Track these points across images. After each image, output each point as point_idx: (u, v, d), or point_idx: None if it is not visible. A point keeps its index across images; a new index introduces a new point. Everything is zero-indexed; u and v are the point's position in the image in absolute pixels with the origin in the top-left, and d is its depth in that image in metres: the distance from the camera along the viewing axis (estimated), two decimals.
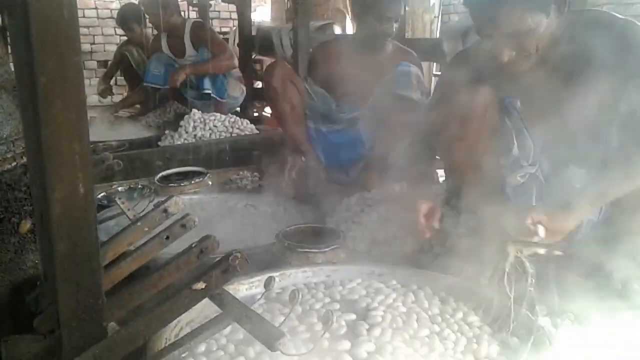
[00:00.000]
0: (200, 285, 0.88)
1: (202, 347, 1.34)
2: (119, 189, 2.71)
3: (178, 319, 1.40)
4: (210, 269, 0.89)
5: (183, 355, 1.29)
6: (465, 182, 1.89)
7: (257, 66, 5.13)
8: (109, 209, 2.32)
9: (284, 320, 1.18)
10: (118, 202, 2.09)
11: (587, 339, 1.38)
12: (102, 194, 2.67)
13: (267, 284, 1.31)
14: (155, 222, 1.19)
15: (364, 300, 1.54)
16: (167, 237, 1.12)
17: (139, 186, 2.66)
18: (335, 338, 1.30)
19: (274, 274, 1.57)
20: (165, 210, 1.19)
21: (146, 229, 1.19)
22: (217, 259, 0.90)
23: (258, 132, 3.77)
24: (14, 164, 1.40)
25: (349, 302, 1.57)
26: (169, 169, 2.82)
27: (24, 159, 1.39)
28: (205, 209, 2.47)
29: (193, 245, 0.99)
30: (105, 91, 5.04)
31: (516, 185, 1.74)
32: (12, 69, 1.26)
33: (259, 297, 1.38)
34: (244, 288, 1.56)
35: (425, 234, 1.82)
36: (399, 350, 1.28)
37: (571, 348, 1.33)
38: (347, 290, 1.64)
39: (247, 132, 3.68)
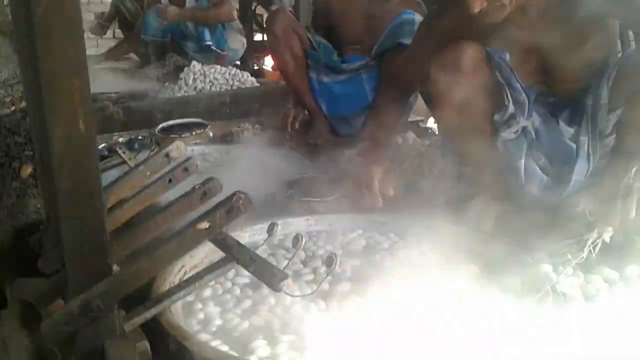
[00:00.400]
0: (204, 224, 0.87)
1: (208, 292, 1.36)
2: (120, 139, 2.70)
3: (182, 264, 1.42)
4: (214, 209, 0.88)
5: (190, 299, 1.30)
6: (460, 142, 1.88)
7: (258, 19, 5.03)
8: (110, 159, 2.31)
9: (288, 262, 1.19)
10: (119, 152, 2.08)
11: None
12: (102, 145, 2.65)
13: (270, 230, 1.31)
14: (158, 167, 1.19)
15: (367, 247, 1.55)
16: (170, 181, 1.11)
17: (140, 137, 2.64)
18: (338, 281, 1.31)
19: (277, 221, 1.57)
20: (167, 155, 1.18)
21: (148, 174, 1.19)
22: (222, 200, 0.89)
23: (259, 84, 3.73)
24: (12, 108, 1.38)
25: (352, 250, 1.58)
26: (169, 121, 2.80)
27: (23, 104, 1.37)
28: (207, 160, 2.46)
29: (196, 187, 0.98)
30: (98, 28, 4.97)
31: (508, 139, 1.72)
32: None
33: (261, 243, 1.38)
34: (246, 235, 1.56)
35: (377, 203, 1.77)
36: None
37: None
38: (349, 239, 1.65)
39: (247, 85, 3.63)
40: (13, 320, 1.12)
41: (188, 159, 1.10)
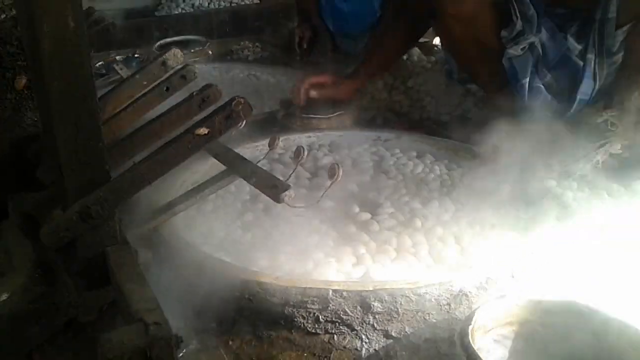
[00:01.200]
0: (203, 130, 0.84)
1: (210, 206, 1.36)
2: (117, 57, 2.62)
3: (183, 179, 1.41)
4: (213, 114, 0.85)
5: (191, 213, 1.30)
6: (465, 58, 1.82)
7: None
8: (108, 76, 2.26)
9: (290, 174, 1.17)
10: (116, 68, 2.03)
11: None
12: (100, 63, 2.59)
13: (271, 143, 1.28)
14: (154, 75, 1.15)
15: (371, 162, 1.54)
16: (167, 89, 1.07)
17: (137, 55, 2.57)
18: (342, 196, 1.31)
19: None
20: (164, 63, 1.14)
21: (145, 83, 1.15)
22: (221, 104, 0.86)
23: (258, 2, 3.60)
24: (3, 16, 1.33)
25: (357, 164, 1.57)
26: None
27: (14, 11, 1.31)
28: (206, 79, 2.38)
29: (194, 94, 0.95)
30: None
31: (514, 56, 1.67)
32: None
33: (261, 157, 1.35)
34: (247, 152, 1.53)
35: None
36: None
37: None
38: (355, 153, 1.63)
39: (247, 2, 3.51)
40: (14, 230, 1.12)
41: (185, 66, 1.06)
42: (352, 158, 1.60)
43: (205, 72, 2.45)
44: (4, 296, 0.95)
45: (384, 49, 1.95)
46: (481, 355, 0.88)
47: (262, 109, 2.05)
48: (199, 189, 1.21)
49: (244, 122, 0.93)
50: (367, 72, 1.94)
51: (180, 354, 0.95)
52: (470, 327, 0.86)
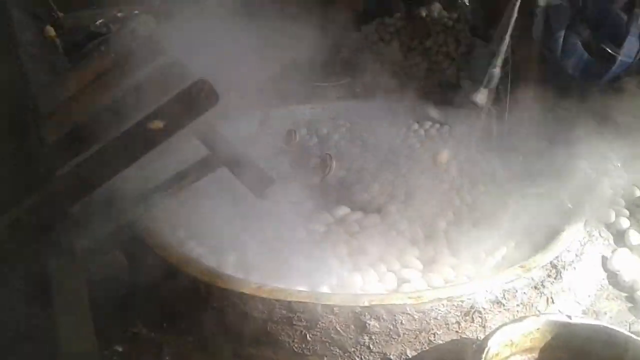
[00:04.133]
0: (158, 124, 0.69)
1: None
2: (119, 14, 2.44)
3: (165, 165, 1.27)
4: (170, 104, 0.69)
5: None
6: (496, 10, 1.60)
7: None
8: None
9: (280, 163, 1.02)
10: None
11: None
12: (100, 21, 2.41)
13: (288, 139, 1.13)
14: (123, 47, 0.99)
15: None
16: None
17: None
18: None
19: (274, 110, 1.37)
20: (132, 31, 0.98)
21: (113, 55, 0.99)
22: (178, 91, 0.70)
23: None
24: None
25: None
26: None
27: None
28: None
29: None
30: None
31: (550, 4, 1.46)
32: None
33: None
34: (240, 126, 1.37)
35: None
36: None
37: None
38: (357, 129, 1.47)
39: None
40: None
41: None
42: (355, 134, 1.44)
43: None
44: None
45: None
46: None
47: (260, 71, 1.87)
48: (179, 176, 1.07)
49: None
50: None
51: None
52: (483, 357, 0.71)
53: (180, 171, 1.09)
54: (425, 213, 1.13)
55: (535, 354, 0.80)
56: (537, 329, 0.79)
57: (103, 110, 0.81)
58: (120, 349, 0.88)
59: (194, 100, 0.69)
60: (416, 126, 1.48)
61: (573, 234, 0.98)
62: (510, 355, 0.79)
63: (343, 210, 1.12)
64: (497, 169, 1.29)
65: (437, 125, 1.46)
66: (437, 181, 1.23)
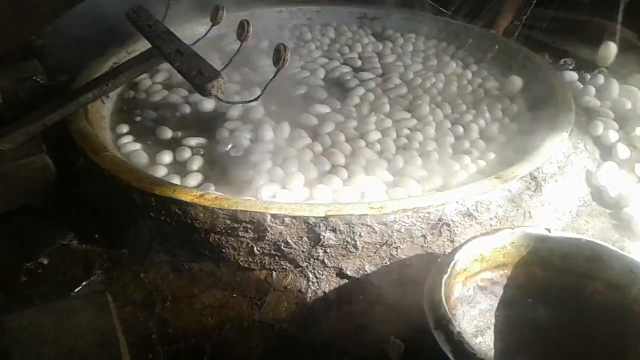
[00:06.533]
0: None
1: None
2: None
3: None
4: None
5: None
6: None
7: None
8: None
9: (231, 60, 0.89)
10: None
11: None
12: None
13: (214, 16, 0.99)
14: None
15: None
16: None
17: None
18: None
19: (241, 14, 1.22)
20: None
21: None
22: None
23: None
24: None
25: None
26: None
27: None
28: None
29: None
30: None
31: None
32: None
33: (201, 35, 1.05)
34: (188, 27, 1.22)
35: None
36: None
37: None
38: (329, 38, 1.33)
39: None
40: None
41: None
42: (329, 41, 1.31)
43: None
44: None
45: None
46: (456, 313, 0.67)
47: None
48: (118, 71, 0.94)
49: None
50: None
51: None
52: (446, 275, 0.62)
53: (119, 65, 0.97)
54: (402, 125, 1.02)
55: (508, 271, 0.72)
56: (512, 243, 0.70)
57: None
58: (45, 262, 0.78)
59: None
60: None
61: (556, 144, 0.88)
62: (480, 271, 0.70)
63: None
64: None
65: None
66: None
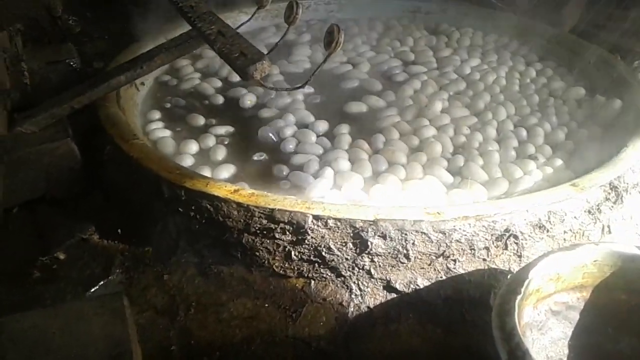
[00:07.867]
0: None
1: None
2: None
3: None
4: None
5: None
6: None
7: None
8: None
9: (277, 44, 0.81)
10: None
11: None
12: None
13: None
14: None
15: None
16: None
17: None
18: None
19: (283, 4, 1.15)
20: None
21: None
22: None
23: None
24: None
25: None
26: None
27: None
28: None
29: None
30: None
31: None
32: None
33: (246, 19, 0.98)
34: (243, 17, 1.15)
35: None
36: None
37: None
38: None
39: None
40: None
41: None
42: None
43: None
44: None
45: None
46: (528, 340, 0.56)
47: None
48: (148, 57, 0.87)
49: None
50: None
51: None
52: (519, 297, 0.52)
53: (155, 47, 0.90)
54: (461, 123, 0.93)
55: (587, 294, 0.61)
56: (594, 261, 0.59)
57: None
58: (62, 257, 0.71)
59: None
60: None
61: None
62: (555, 292, 0.60)
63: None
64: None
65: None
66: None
